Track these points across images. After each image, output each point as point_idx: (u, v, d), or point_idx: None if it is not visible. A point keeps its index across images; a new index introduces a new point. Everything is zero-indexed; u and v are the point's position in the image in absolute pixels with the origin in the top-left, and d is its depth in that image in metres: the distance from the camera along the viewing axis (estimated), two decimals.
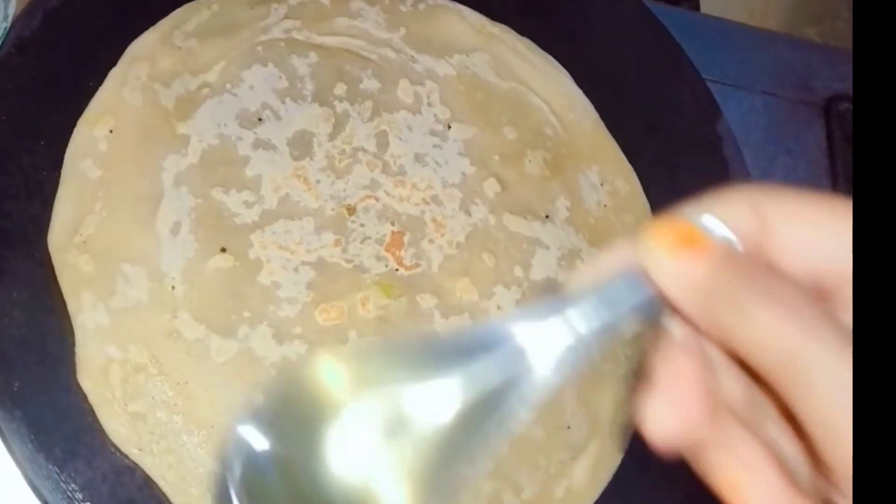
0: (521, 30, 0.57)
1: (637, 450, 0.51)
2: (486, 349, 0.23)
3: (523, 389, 0.23)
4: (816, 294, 0.22)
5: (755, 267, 0.22)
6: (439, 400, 0.23)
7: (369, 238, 0.50)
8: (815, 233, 0.22)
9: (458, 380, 0.23)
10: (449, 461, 0.23)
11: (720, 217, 0.22)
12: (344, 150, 0.51)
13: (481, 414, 0.23)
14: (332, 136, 0.51)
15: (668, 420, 0.22)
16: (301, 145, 0.50)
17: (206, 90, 0.50)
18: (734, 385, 0.24)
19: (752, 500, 0.23)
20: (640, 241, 0.22)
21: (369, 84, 0.53)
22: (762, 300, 0.21)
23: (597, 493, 0.49)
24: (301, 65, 0.51)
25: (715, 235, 0.22)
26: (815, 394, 0.20)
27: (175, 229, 0.46)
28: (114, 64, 0.49)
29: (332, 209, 0.49)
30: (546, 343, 0.23)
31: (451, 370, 0.23)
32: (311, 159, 0.50)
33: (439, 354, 0.24)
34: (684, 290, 0.22)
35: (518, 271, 0.51)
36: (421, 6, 0.56)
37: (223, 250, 0.47)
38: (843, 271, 0.22)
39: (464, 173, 0.52)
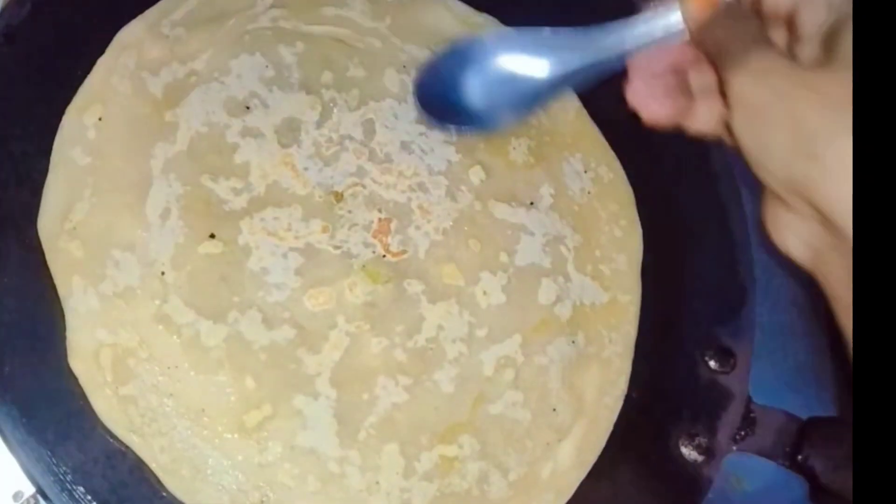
0: (505, 19, 0.58)
1: (621, 432, 0.52)
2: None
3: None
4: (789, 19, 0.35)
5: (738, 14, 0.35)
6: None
7: (357, 225, 0.50)
8: None
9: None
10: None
11: None
12: (331, 137, 0.51)
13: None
14: (319, 124, 0.51)
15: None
16: (288, 133, 0.50)
17: (193, 78, 0.50)
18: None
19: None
20: None
21: (356, 72, 0.53)
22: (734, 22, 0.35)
23: (582, 474, 0.50)
24: (288, 53, 0.52)
25: None
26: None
27: (164, 216, 0.47)
28: (102, 52, 0.49)
29: (320, 196, 0.50)
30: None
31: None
32: (299, 147, 0.50)
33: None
34: (696, 24, 0.35)
35: (503, 257, 0.52)
36: None
37: (212, 236, 0.47)
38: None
39: (449, 161, 0.53)
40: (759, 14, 0.37)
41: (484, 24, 0.57)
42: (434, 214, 0.52)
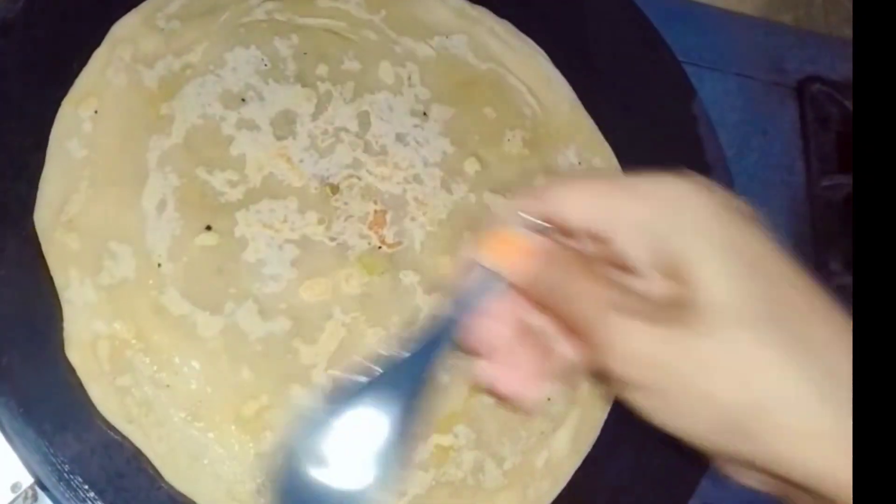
0: (500, 12, 0.58)
1: (616, 421, 0.52)
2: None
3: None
4: (593, 236, 0.32)
5: (559, 254, 0.32)
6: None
7: (352, 216, 0.50)
8: (582, 199, 0.31)
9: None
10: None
11: (525, 216, 0.32)
12: (326, 129, 0.52)
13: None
14: (314, 117, 0.51)
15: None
16: (284, 125, 0.51)
17: (189, 71, 0.50)
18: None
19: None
20: (478, 255, 0.32)
21: (351, 65, 0.53)
22: (563, 277, 0.31)
23: (577, 462, 0.51)
24: (283, 46, 0.52)
25: (526, 233, 0.32)
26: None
27: (160, 208, 0.47)
28: (97, 45, 0.49)
29: (316, 188, 0.50)
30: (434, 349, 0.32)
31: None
32: (294, 139, 0.51)
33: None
34: (517, 277, 0.32)
35: None
36: None
37: (209, 228, 0.48)
38: (602, 219, 0.31)
39: (444, 152, 0.53)
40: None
41: (478, 17, 0.57)
42: (429, 206, 0.52)
